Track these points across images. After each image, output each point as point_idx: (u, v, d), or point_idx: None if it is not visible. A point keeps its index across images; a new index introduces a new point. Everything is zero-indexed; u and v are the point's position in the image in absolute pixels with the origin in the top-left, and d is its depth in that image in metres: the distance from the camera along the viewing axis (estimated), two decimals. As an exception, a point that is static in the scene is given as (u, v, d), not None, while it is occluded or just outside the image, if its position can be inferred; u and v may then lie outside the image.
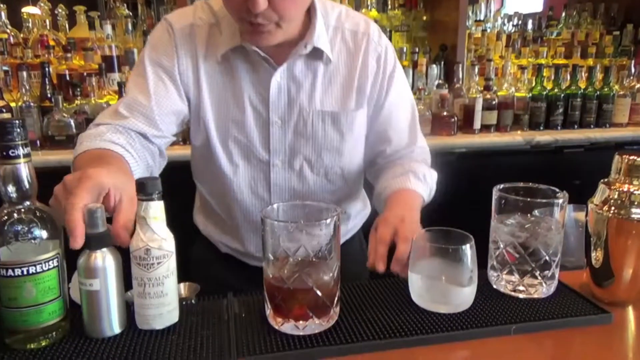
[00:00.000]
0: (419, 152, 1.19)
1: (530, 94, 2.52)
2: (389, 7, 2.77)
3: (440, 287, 0.80)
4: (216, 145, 1.08)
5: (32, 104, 2.18)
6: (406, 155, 1.17)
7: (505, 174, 2.30)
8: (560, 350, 0.78)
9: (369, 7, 2.77)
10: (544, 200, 0.84)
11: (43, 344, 0.73)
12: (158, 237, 0.73)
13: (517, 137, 2.40)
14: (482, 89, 2.46)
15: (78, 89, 2.27)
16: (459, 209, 2.36)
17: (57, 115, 2.16)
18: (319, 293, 0.73)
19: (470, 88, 2.48)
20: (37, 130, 2.18)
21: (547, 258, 0.83)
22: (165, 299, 0.75)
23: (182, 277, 0.83)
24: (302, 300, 0.73)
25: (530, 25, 3.02)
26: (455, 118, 2.40)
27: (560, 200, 0.83)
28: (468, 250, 0.78)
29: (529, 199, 0.83)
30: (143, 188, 0.72)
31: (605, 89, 2.59)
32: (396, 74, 1.14)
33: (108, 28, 2.40)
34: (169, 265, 0.75)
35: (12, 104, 2.17)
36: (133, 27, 2.51)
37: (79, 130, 2.17)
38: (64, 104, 2.21)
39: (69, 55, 2.35)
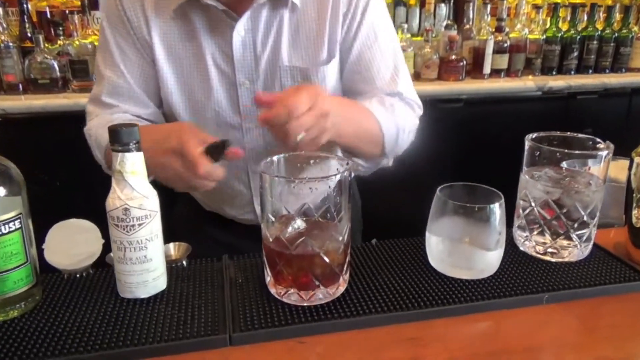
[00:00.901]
0: (403, 97, 0.99)
1: (544, 36, 2.36)
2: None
3: (463, 250, 0.70)
4: (181, 114, 0.98)
5: (10, 44, 2.02)
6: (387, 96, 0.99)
7: (514, 121, 2.21)
8: (598, 321, 0.69)
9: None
10: (585, 152, 0.73)
11: (12, 315, 0.64)
12: (138, 194, 0.63)
13: (528, 83, 2.26)
14: (493, 30, 2.30)
15: (60, 28, 2.12)
16: (466, 159, 2.26)
17: (39, 56, 2.01)
18: (326, 259, 0.63)
19: (481, 29, 2.31)
20: (19, 73, 2.03)
21: (585, 219, 0.73)
22: (149, 265, 0.65)
23: (168, 237, 0.74)
24: (307, 267, 0.64)
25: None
26: (464, 62, 2.25)
27: (604, 153, 0.72)
28: (497, 210, 0.68)
29: (567, 151, 0.72)
30: (118, 137, 0.61)
31: (624, 31, 2.43)
32: (370, 7, 0.95)
33: (90, -40, 2.20)
34: (152, 227, 0.65)
35: (-11, 44, 2.01)
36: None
37: (62, 73, 2.04)
38: (46, 45, 2.05)
39: (48, -9, 2.17)
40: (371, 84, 0.98)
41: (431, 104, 2.12)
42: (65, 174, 2.03)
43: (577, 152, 0.73)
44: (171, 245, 0.83)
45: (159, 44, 0.94)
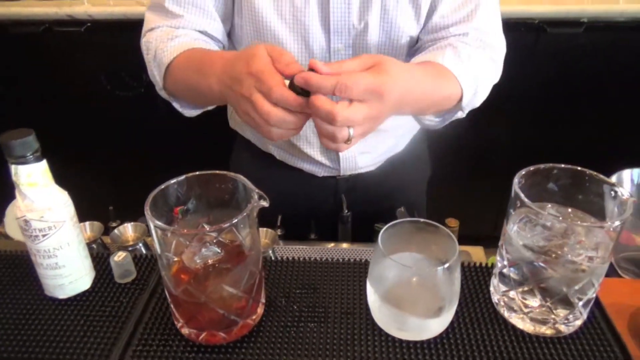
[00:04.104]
0: (477, 35, 0.84)
1: None
2: None
3: (396, 312, 0.58)
4: (262, 26, 0.85)
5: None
6: (455, 36, 0.84)
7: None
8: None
9: None
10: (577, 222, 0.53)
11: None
12: (37, 207, 0.59)
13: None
14: None
15: None
16: (578, 103, 1.89)
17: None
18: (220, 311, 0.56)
19: None
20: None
21: (572, 299, 0.55)
22: (62, 271, 0.64)
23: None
24: (199, 315, 0.57)
25: None
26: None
27: (620, 198, 0.52)
28: (439, 275, 0.54)
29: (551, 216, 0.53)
30: (11, 149, 0.57)
31: None
32: None
33: None
34: (61, 237, 0.62)
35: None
36: None
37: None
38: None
39: None
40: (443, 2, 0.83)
41: (537, 27, 1.76)
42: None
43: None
44: (129, 225, 0.81)
45: None
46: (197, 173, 0.59)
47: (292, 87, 0.60)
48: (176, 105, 0.87)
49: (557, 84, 1.87)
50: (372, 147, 1.02)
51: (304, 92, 0.60)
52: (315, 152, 1.00)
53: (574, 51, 1.82)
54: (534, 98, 1.88)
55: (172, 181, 0.59)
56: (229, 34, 0.93)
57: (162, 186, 0.58)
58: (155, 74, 0.84)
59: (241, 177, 0.59)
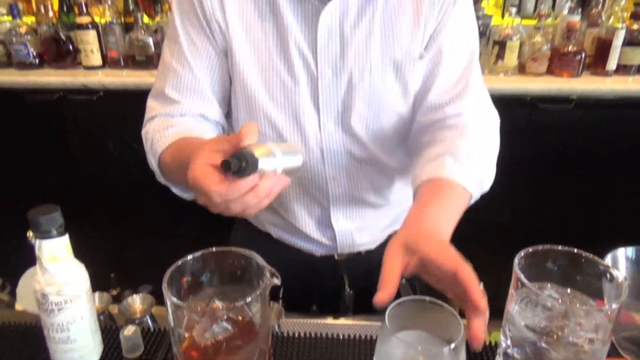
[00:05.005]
0: (470, 114, 0.87)
1: (699, 26, 1.89)
2: None
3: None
4: (254, 110, 0.90)
5: (115, 20, 2.13)
6: (450, 117, 0.88)
7: (637, 134, 1.83)
8: None
9: None
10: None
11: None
12: (57, 281, 0.62)
13: (663, 87, 1.85)
14: (628, 16, 1.89)
15: (158, 5, 2.19)
16: (567, 177, 1.94)
17: (138, 33, 2.11)
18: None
19: (614, 13, 1.92)
20: (121, 48, 2.16)
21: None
22: (73, 345, 0.65)
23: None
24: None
25: None
26: (583, 54, 1.89)
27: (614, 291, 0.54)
28: (445, 355, 0.55)
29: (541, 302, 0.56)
30: (37, 225, 0.60)
31: None
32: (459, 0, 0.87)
33: None
34: (74, 311, 0.64)
35: (97, 19, 2.15)
36: None
37: (157, 50, 2.12)
38: (147, 20, 2.15)
39: (152, -35, 2.23)
40: (445, 79, 0.89)
41: (530, 104, 1.85)
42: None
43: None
44: (137, 297, 0.83)
45: (235, 26, 0.86)
46: (214, 249, 0.62)
47: (226, 165, 0.60)
48: (175, 190, 0.89)
49: (549, 159, 1.94)
50: (370, 223, 1.03)
51: (240, 169, 0.60)
52: (311, 230, 1.01)
53: (565, 126, 1.90)
54: (527, 172, 1.93)
55: (189, 257, 0.61)
56: (228, 115, 0.97)
57: (179, 262, 0.60)
58: (153, 163, 0.89)
59: (254, 254, 0.62)
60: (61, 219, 0.61)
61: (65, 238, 0.62)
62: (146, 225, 2.07)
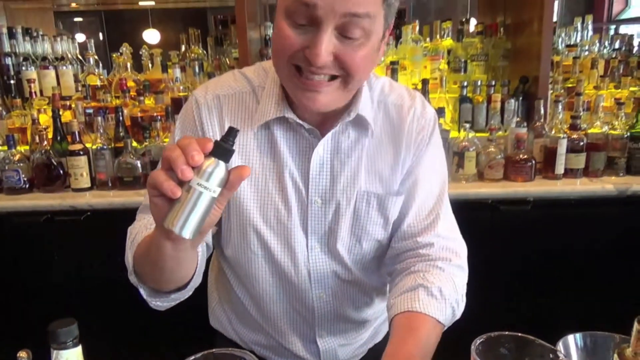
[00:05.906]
0: (441, 244, 0.97)
1: (629, 133, 2.15)
2: (464, 36, 2.53)
3: None
4: (247, 230, 0.97)
5: (105, 146, 2.28)
6: (422, 246, 0.97)
7: (589, 229, 2.00)
8: None
9: (444, 36, 2.57)
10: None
11: None
12: (71, 388, 0.68)
13: (607, 186, 2.05)
14: (567, 127, 2.15)
15: (147, 132, 2.36)
16: (531, 271, 2.07)
17: (127, 157, 2.25)
18: None
19: (554, 126, 2.17)
20: (110, 171, 2.29)
21: None
22: None
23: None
24: None
25: (637, 48, 2.60)
26: (533, 162, 2.11)
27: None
28: None
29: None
30: (55, 336, 0.67)
31: None
32: (433, 140, 1.00)
33: (177, 71, 2.47)
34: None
35: (89, 145, 2.29)
36: (200, 68, 2.56)
37: (144, 172, 2.25)
38: (135, 145, 2.30)
39: (141, 98, 2.45)
40: (418, 210, 0.98)
41: (491, 207, 2.01)
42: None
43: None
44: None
45: (234, 159, 0.91)
46: (214, 351, 0.69)
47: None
48: (143, 292, 0.90)
49: (516, 256, 2.07)
50: (351, 338, 1.09)
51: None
52: (297, 348, 1.06)
53: (525, 225, 2.05)
54: (494, 269, 2.04)
55: (191, 358, 0.68)
56: (215, 237, 1.02)
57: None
58: (129, 255, 0.90)
59: (250, 355, 0.69)
60: (77, 331, 0.69)
61: (79, 348, 0.69)
62: (129, 339, 2.06)
